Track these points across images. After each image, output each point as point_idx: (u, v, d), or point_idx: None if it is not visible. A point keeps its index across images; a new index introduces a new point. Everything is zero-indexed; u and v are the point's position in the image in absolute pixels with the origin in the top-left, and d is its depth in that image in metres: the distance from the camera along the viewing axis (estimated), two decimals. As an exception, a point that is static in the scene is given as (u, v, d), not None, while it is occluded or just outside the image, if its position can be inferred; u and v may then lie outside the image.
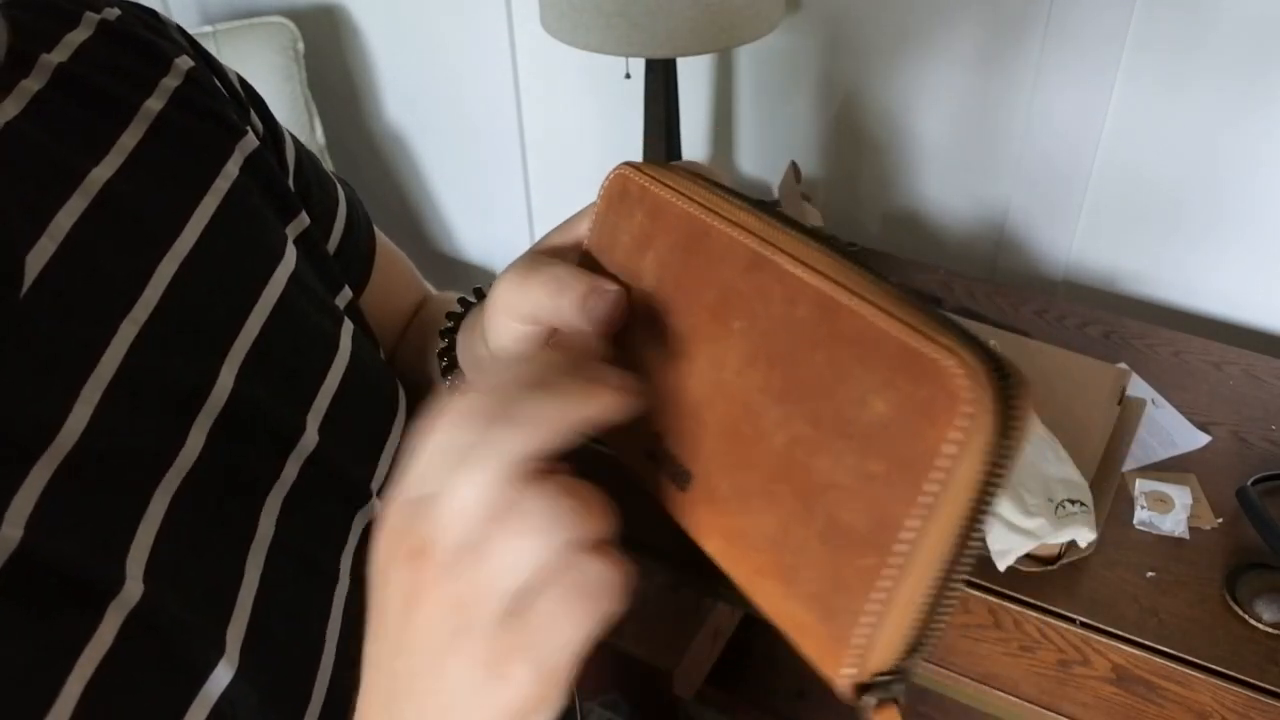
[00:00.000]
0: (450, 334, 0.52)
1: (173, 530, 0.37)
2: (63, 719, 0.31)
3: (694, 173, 0.37)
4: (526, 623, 0.28)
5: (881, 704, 0.28)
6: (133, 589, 0.34)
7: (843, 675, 0.27)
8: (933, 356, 0.25)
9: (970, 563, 0.26)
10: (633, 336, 0.35)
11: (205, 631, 0.36)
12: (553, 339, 0.41)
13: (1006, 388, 0.25)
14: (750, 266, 0.31)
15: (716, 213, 0.33)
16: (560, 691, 0.29)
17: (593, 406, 0.29)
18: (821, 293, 0.29)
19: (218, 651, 0.36)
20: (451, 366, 0.52)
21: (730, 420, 0.31)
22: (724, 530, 0.31)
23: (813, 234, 0.31)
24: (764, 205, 0.34)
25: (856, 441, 0.27)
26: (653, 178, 0.36)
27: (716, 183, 0.36)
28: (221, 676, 0.35)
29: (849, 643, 0.27)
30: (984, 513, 0.26)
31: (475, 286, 0.54)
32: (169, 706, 0.34)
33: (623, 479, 0.35)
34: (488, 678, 0.28)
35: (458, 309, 0.54)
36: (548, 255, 0.42)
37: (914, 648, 0.27)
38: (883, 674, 0.27)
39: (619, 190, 0.38)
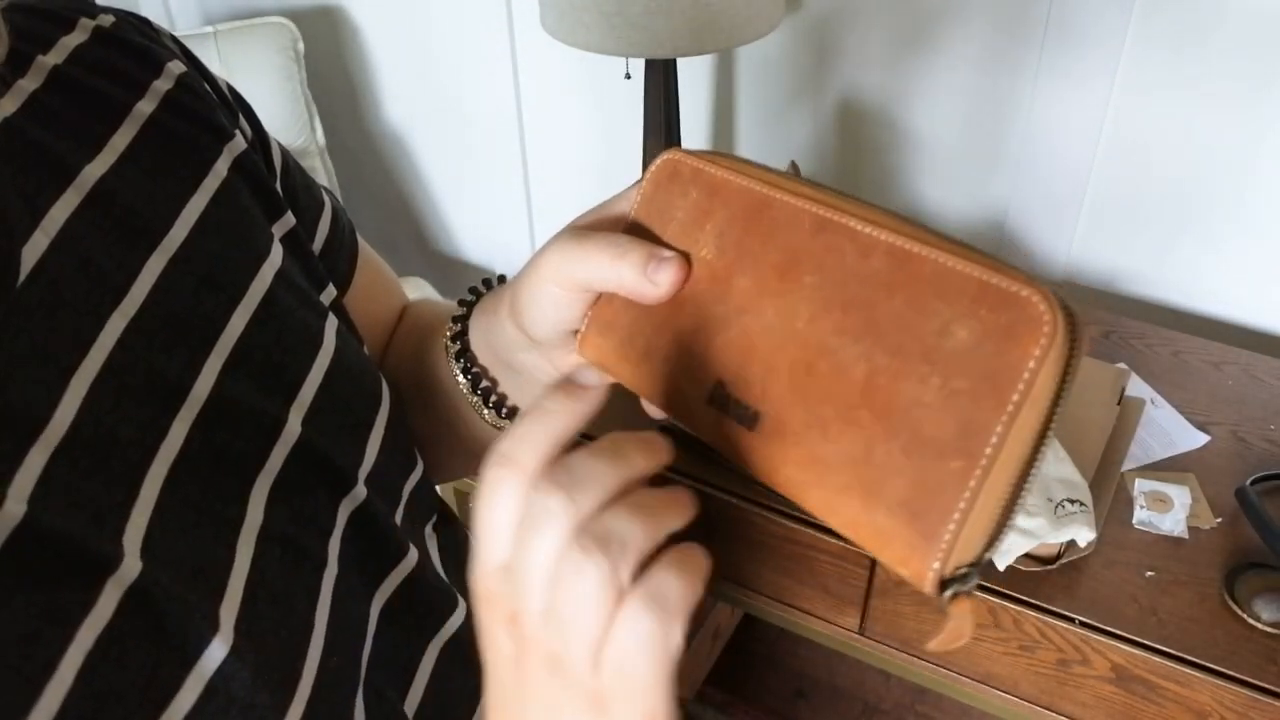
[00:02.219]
0: (463, 320, 0.54)
1: (165, 514, 0.38)
2: (63, 687, 0.32)
3: (740, 159, 0.41)
4: (612, 662, 0.31)
5: (957, 596, 0.31)
6: (131, 565, 0.35)
7: (930, 570, 0.31)
8: (1011, 289, 0.30)
9: (1039, 464, 0.31)
10: (691, 298, 0.39)
11: (200, 609, 0.37)
12: (595, 305, 0.43)
13: (1071, 314, 0.30)
14: (818, 229, 0.35)
15: (777, 186, 0.37)
16: (669, 707, 0.32)
17: (635, 465, 0.33)
18: (894, 245, 0.33)
19: (212, 629, 0.37)
20: (464, 351, 0.53)
21: (804, 361, 0.35)
22: (798, 459, 0.34)
23: (867, 202, 0.36)
24: (815, 182, 0.38)
25: (941, 364, 0.31)
26: (705, 159, 0.41)
27: (763, 166, 0.40)
28: (216, 653, 0.36)
29: (938, 539, 0.31)
30: (1054, 420, 0.30)
31: (484, 278, 0.56)
32: (165, 679, 0.35)
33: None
34: (595, 717, 0.32)
35: (455, 306, 0.55)
36: (589, 229, 0.43)
37: (990, 542, 0.32)
38: (961, 567, 0.31)
39: (669, 172, 0.42)
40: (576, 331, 0.44)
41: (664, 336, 0.40)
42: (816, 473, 0.34)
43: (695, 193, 0.40)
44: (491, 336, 0.51)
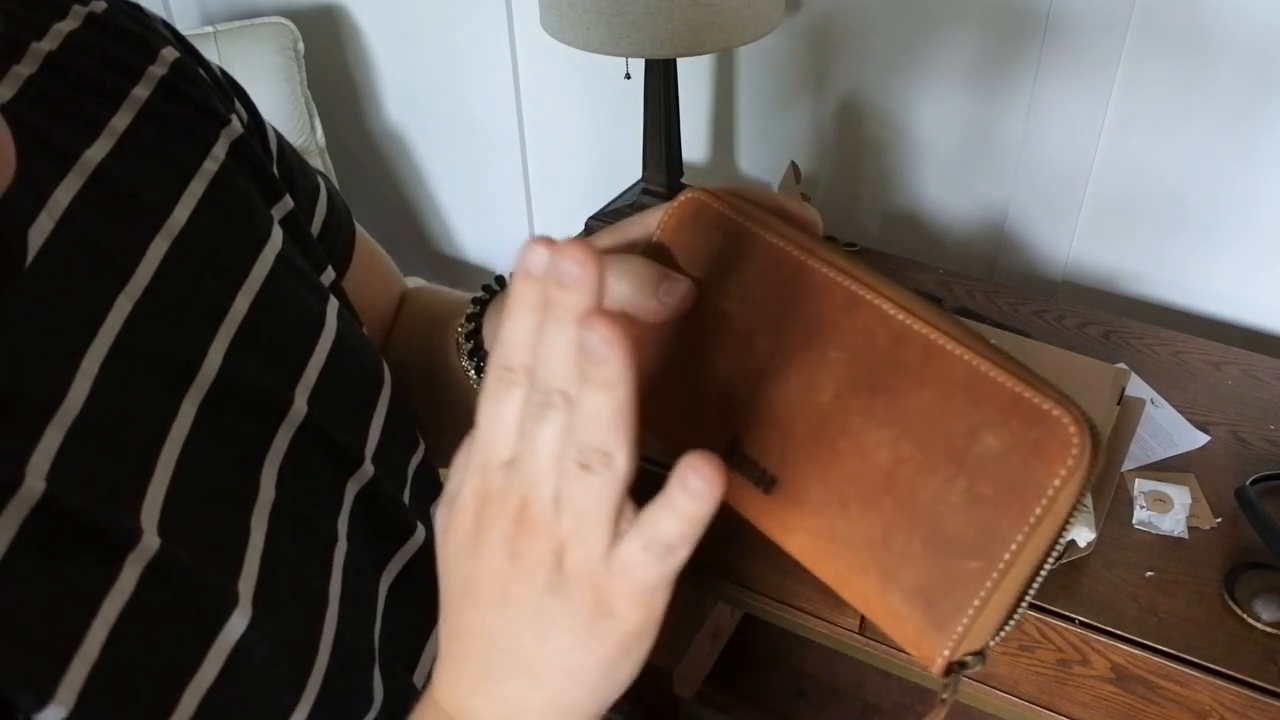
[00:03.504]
0: (476, 318, 0.54)
1: (179, 491, 0.38)
2: (89, 662, 0.33)
3: (754, 201, 0.40)
4: (623, 560, 0.31)
5: (957, 677, 0.33)
6: (150, 541, 0.36)
7: (940, 656, 0.33)
8: (1044, 406, 0.31)
9: (1050, 564, 0.32)
10: (708, 348, 0.38)
11: (219, 584, 0.38)
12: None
13: (1096, 435, 0.30)
14: (849, 306, 0.35)
15: (808, 251, 0.37)
16: (658, 620, 0.33)
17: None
18: (929, 340, 0.33)
19: (231, 603, 0.37)
20: (476, 350, 0.54)
21: (826, 436, 0.35)
22: (814, 530, 0.35)
23: (905, 287, 0.36)
24: (840, 249, 0.38)
25: (967, 467, 0.32)
26: (729, 205, 0.40)
27: (783, 211, 0.40)
28: (236, 626, 0.37)
29: (951, 630, 0.32)
30: (1069, 528, 0.32)
31: (497, 275, 0.56)
32: (189, 652, 0.35)
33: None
34: (594, 615, 0.32)
35: (462, 297, 0.56)
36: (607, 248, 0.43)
37: (996, 632, 0.33)
38: (968, 654, 0.33)
39: (692, 212, 0.41)
40: None
41: (678, 380, 0.39)
42: (833, 547, 0.35)
43: (720, 239, 0.40)
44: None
